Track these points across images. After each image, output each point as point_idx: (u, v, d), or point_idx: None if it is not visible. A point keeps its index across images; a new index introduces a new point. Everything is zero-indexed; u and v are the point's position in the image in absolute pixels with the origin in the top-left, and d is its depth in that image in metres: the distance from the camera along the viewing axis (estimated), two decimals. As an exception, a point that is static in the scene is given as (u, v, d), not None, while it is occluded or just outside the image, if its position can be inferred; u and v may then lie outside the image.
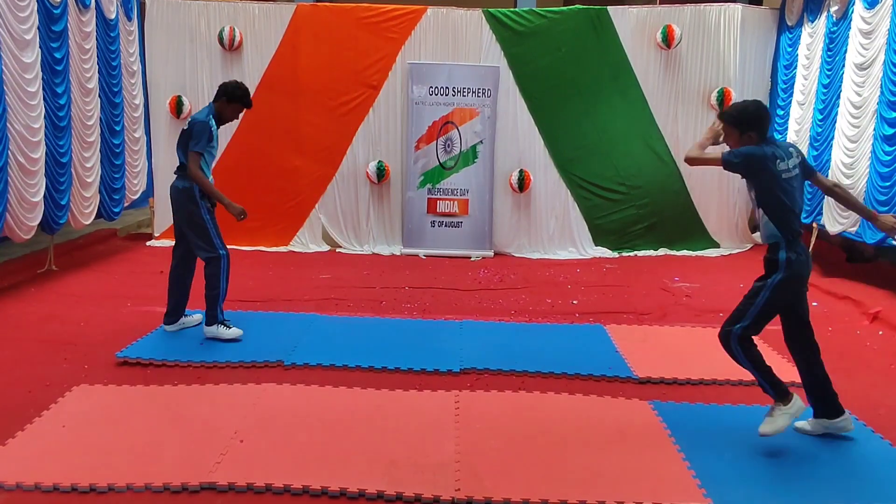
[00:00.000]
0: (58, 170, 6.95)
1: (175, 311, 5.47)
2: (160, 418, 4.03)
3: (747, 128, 3.85)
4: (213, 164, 5.41)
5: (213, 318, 5.29)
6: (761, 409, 4.34)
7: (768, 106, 9.19)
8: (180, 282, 5.47)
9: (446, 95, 8.74)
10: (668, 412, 4.27)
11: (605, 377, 4.83)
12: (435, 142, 8.82)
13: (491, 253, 8.85)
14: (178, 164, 5.33)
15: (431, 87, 8.72)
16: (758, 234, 9.44)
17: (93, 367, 4.81)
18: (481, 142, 8.84)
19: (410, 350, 5.20)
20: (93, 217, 7.82)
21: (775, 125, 9.01)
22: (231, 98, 5.20)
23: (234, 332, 5.30)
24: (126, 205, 8.61)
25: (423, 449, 3.77)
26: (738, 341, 3.87)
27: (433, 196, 8.89)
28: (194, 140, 5.09)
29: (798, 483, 3.53)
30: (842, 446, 3.91)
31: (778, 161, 3.79)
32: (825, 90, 7.51)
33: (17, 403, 4.19)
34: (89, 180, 7.63)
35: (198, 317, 5.59)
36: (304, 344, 5.28)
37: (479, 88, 8.73)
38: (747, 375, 4.78)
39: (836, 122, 7.18)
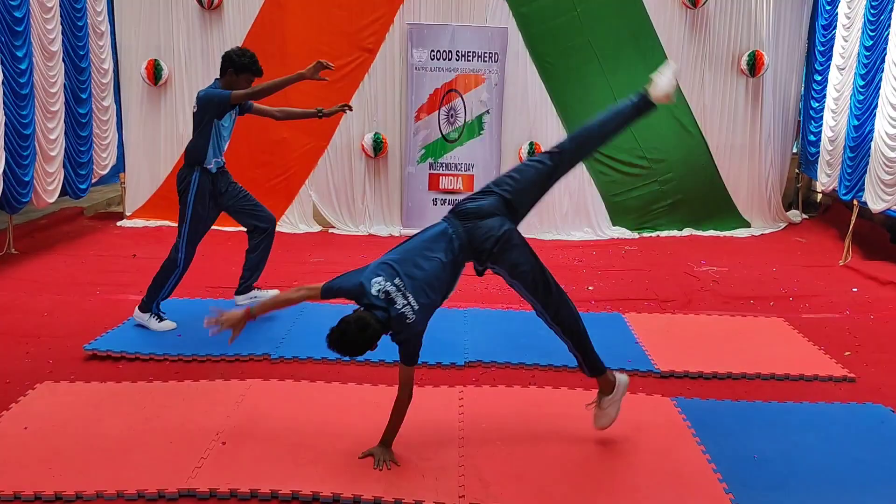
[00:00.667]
0: (20, 142, 6.91)
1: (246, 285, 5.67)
2: (134, 418, 4.02)
3: None
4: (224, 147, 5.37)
5: (147, 305, 5.35)
6: (796, 406, 4.38)
7: (804, 72, 9.17)
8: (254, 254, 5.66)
9: (449, 60, 8.68)
10: (694, 410, 4.26)
11: (624, 371, 4.75)
12: (437, 112, 8.77)
13: (498, 234, 8.82)
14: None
15: (433, 50, 8.67)
16: (794, 211, 9.48)
17: (58, 361, 4.80)
18: (488, 111, 8.79)
19: (409, 341, 5.19)
20: (57, 194, 7.79)
21: (812, 91, 8.96)
22: (239, 69, 5.11)
23: (165, 324, 5.34)
24: (94, 181, 8.57)
25: (423, 451, 3.76)
26: None
27: (435, 171, 8.86)
28: (216, 98, 5.04)
29: (835, 488, 3.52)
30: (886, 448, 3.89)
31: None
32: (868, 53, 7.42)
33: (-25, 402, 4.19)
34: (53, 154, 7.59)
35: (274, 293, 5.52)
36: (294, 335, 5.28)
37: (485, 52, 8.67)
38: (781, 369, 4.84)
39: (879, 88, 7.11)
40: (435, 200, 8.87)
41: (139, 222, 8.89)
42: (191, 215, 5.23)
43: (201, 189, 5.22)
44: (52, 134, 7.55)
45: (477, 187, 8.78)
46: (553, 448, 3.84)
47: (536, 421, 4.13)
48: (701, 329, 5.68)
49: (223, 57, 5.16)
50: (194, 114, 5.19)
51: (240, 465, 3.59)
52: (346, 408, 4.23)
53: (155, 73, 8.69)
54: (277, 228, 8.74)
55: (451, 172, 8.84)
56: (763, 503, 3.37)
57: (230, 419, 4.03)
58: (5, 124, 6.65)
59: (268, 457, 3.67)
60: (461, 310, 6.01)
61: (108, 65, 8.66)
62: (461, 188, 8.81)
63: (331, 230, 8.96)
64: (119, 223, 8.90)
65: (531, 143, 8.81)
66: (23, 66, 6.88)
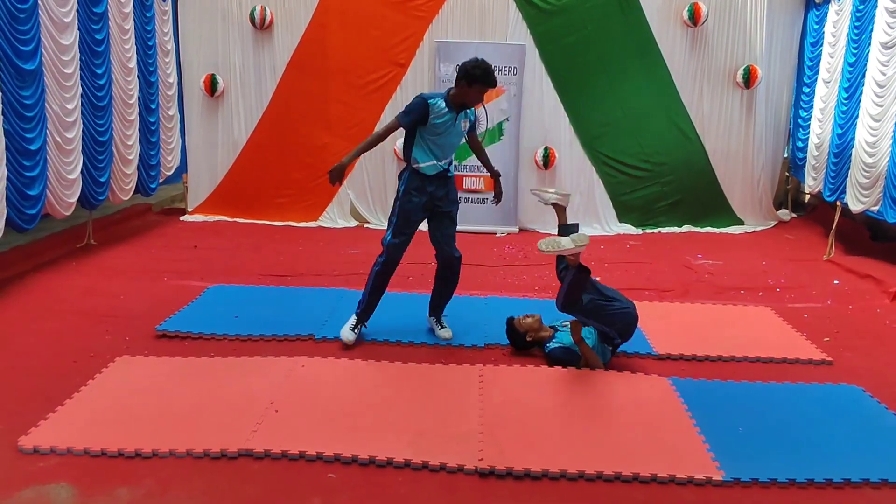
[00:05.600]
0: (97, 148, 7.11)
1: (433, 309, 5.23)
2: (199, 388, 4.18)
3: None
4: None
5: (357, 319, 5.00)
6: (778, 386, 4.44)
7: (794, 84, 9.14)
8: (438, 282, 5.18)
9: (473, 73, 8.74)
10: (687, 388, 4.33)
11: (626, 353, 4.89)
12: (461, 119, 8.83)
13: (516, 229, 8.91)
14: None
15: (458, 65, 8.68)
16: (783, 211, 9.47)
17: (133, 339, 4.97)
18: (507, 119, 8.86)
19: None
20: (131, 193, 8.00)
21: (801, 102, 8.94)
22: (471, 80, 4.65)
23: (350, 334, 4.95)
24: (161, 181, 8.78)
25: (448, 420, 3.88)
26: None
27: (459, 173, 8.90)
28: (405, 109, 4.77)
29: (810, 458, 3.60)
30: (857, 424, 3.97)
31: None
32: (851, 68, 7.42)
33: (64, 373, 4.37)
34: (130, 157, 7.79)
35: (447, 333, 5.11)
36: (334, 318, 5.37)
37: (505, 66, 8.72)
38: (766, 353, 4.90)
39: (860, 100, 7.11)
40: (459, 199, 8.92)
41: (199, 217, 9.06)
42: (398, 203, 4.91)
43: (408, 188, 4.87)
44: (129, 140, 7.74)
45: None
46: (561, 420, 3.94)
47: (546, 396, 4.23)
48: (695, 316, 5.74)
49: (459, 68, 4.71)
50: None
51: (290, 429, 3.73)
52: (381, 382, 4.35)
53: (211, 85, 8.85)
54: (319, 223, 9.00)
55: (473, 174, 8.91)
56: (745, 470, 3.46)
57: (281, 390, 4.16)
58: (83, 132, 6.85)
59: (314, 423, 3.81)
60: (482, 297, 6.12)
61: (173, 79, 8.84)
62: (482, 188, 8.90)
63: (366, 225, 9.06)
64: (182, 218, 9.05)
65: (546, 148, 8.87)
66: (101, 82, 7.07)
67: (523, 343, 4.80)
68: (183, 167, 9.31)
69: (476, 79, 4.64)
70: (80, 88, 6.75)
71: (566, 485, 3.39)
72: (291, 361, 4.58)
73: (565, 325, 4.80)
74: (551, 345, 4.69)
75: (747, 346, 5.02)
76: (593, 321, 4.51)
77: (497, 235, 8.70)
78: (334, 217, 9.12)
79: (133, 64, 7.68)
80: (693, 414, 4.00)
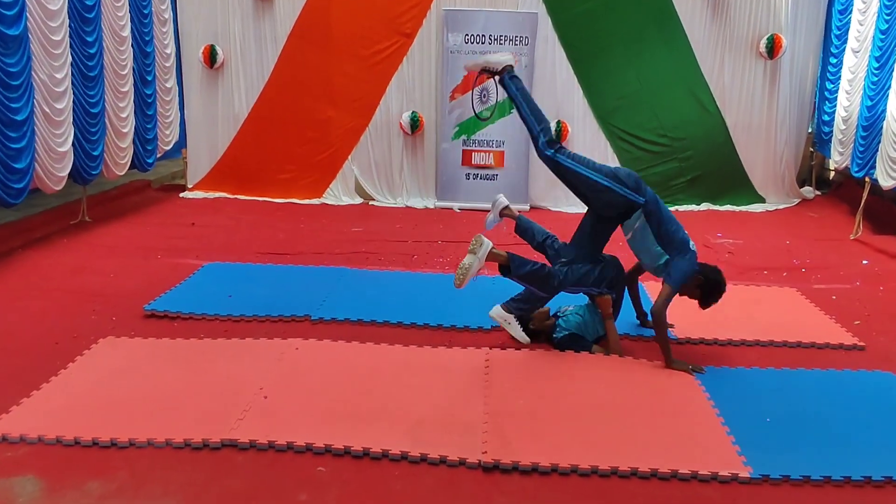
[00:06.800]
0: (88, 120, 6.86)
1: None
2: (185, 372, 3.97)
3: None
4: None
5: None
6: (807, 372, 4.20)
7: (821, 54, 8.76)
8: None
9: (482, 43, 8.44)
10: (708, 375, 4.10)
11: (642, 337, 4.68)
12: (470, 92, 8.50)
13: (527, 206, 8.63)
14: None
15: (467, 34, 8.43)
16: (807, 188, 9.13)
17: (120, 319, 4.77)
18: (518, 92, 8.55)
19: (440, 306, 5.07)
20: (127, 168, 7.77)
21: (828, 74, 8.57)
22: (707, 294, 4.32)
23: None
24: (159, 156, 8.53)
25: (450, 409, 3.65)
26: None
27: (468, 148, 8.66)
28: (681, 273, 4.24)
29: (846, 453, 3.34)
30: (890, 414, 3.69)
31: None
32: (883, 36, 7.03)
33: (43, 355, 4.17)
34: (124, 130, 7.55)
35: None
36: (333, 298, 5.18)
37: (516, 36, 8.42)
38: (793, 337, 4.63)
39: (893, 70, 6.74)
40: (467, 175, 8.69)
41: (199, 194, 8.83)
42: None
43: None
44: (122, 112, 7.49)
45: (507, 163, 8.66)
46: (573, 408, 3.70)
47: (557, 383, 3.99)
48: (716, 297, 5.46)
49: (704, 272, 4.33)
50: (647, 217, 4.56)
51: (279, 418, 3.51)
52: (378, 367, 4.13)
53: (211, 57, 8.58)
54: (322, 200, 8.77)
55: (482, 149, 8.63)
56: (774, 464, 3.21)
57: (272, 375, 3.95)
58: (74, 102, 6.60)
59: (305, 411, 3.59)
60: (490, 277, 5.86)
61: (171, 49, 8.56)
62: (492, 163, 8.62)
63: (371, 202, 8.81)
64: (182, 195, 8.83)
65: (558, 122, 8.56)
66: (92, 51, 6.80)
67: (525, 329, 4.57)
68: (182, 142, 9.05)
69: (712, 295, 4.34)
70: (70, 57, 6.48)
71: (577, 481, 3.14)
72: (285, 344, 4.37)
73: (566, 311, 4.61)
74: (557, 334, 4.48)
75: (773, 330, 4.76)
76: (583, 287, 4.46)
77: (507, 213, 8.42)
78: (338, 194, 8.87)
79: (126, 32, 7.41)
80: (716, 403, 3.76)
